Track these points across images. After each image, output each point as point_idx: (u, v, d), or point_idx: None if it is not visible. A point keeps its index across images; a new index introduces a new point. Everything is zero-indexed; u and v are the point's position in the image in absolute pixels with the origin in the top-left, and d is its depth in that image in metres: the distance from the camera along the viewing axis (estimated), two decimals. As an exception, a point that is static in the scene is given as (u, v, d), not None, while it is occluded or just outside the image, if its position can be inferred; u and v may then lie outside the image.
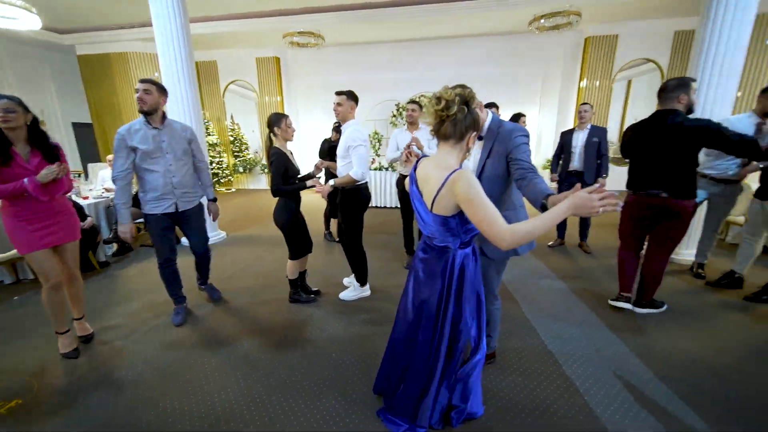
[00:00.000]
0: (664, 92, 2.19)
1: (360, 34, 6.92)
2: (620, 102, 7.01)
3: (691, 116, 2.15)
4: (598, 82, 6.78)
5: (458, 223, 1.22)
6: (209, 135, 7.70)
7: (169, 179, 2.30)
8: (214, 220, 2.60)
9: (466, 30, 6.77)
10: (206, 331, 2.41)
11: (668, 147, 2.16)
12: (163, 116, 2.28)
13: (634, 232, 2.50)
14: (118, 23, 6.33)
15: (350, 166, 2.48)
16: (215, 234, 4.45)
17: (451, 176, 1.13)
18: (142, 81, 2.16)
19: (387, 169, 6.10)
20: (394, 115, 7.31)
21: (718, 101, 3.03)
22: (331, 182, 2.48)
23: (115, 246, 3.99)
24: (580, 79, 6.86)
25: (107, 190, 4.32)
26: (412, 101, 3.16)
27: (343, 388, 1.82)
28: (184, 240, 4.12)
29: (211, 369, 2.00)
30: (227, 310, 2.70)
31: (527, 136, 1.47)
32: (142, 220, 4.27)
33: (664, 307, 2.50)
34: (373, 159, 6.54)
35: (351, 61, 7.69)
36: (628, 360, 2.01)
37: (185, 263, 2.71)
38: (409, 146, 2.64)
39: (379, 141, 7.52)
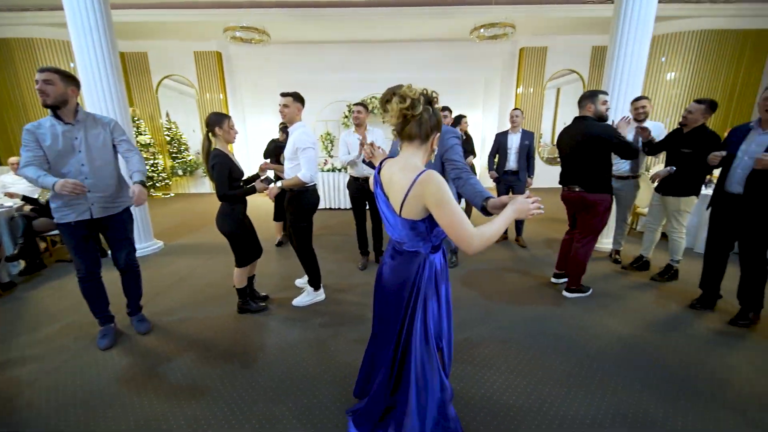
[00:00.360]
0: (580, 102, 2.57)
1: (308, 33, 6.78)
2: (552, 107, 7.76)
3: (601, 124, 2.52)
4: (532, 89, 7.44)
5: (428, 226, 1.18)
6: (141, 134, 6.98)
7: (81, 181, 2.00)
8: (136, 205, 2.10)
9: (415, 35, 6.98)
10: (141, 352, 2.18)
11: (578, 148, 2.55)
12: (77, 109, 2.01)
13: (571, 220, 2.89)
14: (19, 4, 5.46)
15: (298, 168, 2.43)
16: (150, 244, 4.04)
17: (419, 178, 1.08)
18: (41, 70, 1.86)
19: (340, 170, 6.05)
20: (346, 116, 7.28)
21: (626, 107, 3.50)
22: (279, 183, 2.41)
23: (22, 263, 3.44)
24: (517, 86, 7.46)
25: (10, 195, 3.71)
26: (359, 103, 3.18)
27: (308, 398, 1.77)
28: (112, 252, 3.68)
29: (147, 396, 1.81)
30: (167, 327, 2.47)
31: (458, 137, 1.56)
32: (56, 231, 3.77)
33: (590, 291, 2.83)
34: (326, 160, 6.45)
35: (300, 61, 7.49)
36: (564, 340, 2.23)
37: (115, 276, 2.41)
38: (367, 143, 2.68)
39: (331, 142, 7.43)
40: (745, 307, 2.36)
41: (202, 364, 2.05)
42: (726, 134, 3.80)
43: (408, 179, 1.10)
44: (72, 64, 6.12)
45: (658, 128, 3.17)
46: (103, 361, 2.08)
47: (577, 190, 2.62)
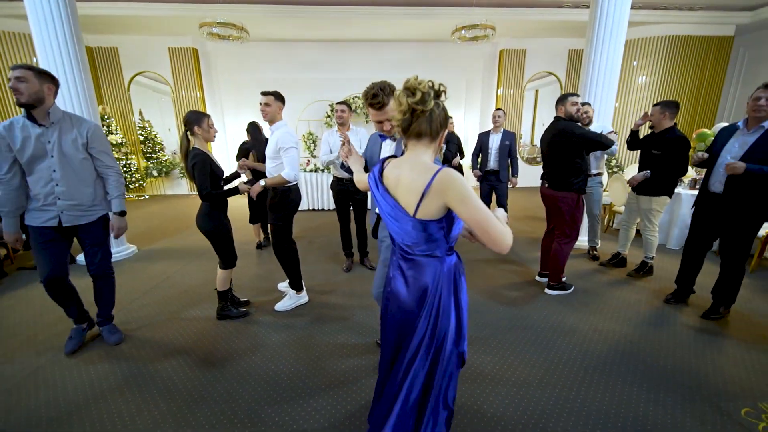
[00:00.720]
0: (555, 104, 2.72)
1: (288, 31, 6.65)
2: (531, 108, 7.95)
3: (567, 122, 2.65)
4: (512, 91, 7.59)
5: (445, 227, 1.09)
6: (111, 134, 6.64)
7: (52, 188, 1.91)
8: (116, 237, 2.16)
9: (396, 35, 6.99)
10: (113, 365, 2.05)
11: (549, 146, 2.72)
12: (50, 110, 1.90)
13: (547, 217, 2.97)
14: (-27, -7, 5.08)
15: (281, 167, 2.42)
16: (123, 248, 3.84)
17: (438, 176, 0.99)
18: (14, 67, 1.77)
19: (323, 170, 5.97)
20: (328, 116, 7.20)
21: (603, 110, 3.61)
22: (262, 182, 2.37)
23: (-22, 272, 3.19)
24: (498, 87, 7.59)
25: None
26: (342, 102, 3.13)
27: (293, 408, 1.71)
28: (80, 258, 3.48)
29: (119, 411, 1.71)
30: (140, 337, 2.34)
31: None
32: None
33: (572, 289, 2.89)
34: (308, 161, 6.35)
35: (281, 59, 7.34)
36: (546, 338, 2.26)
37: (87, 284, 2.26)
38: (345, 143, 2.65)
39: (314, 142, 7.32)
40: (717, 302, 2.45)
41: (179, 375, 1.95)
42: (695, 135, 4.00)
43: (423, 178, 1.02)
44: (34, 59, 5.75)
45: (604, 130, 3.31)
46: (70, 376, 1.95)
47: (546, 186, 2.79)
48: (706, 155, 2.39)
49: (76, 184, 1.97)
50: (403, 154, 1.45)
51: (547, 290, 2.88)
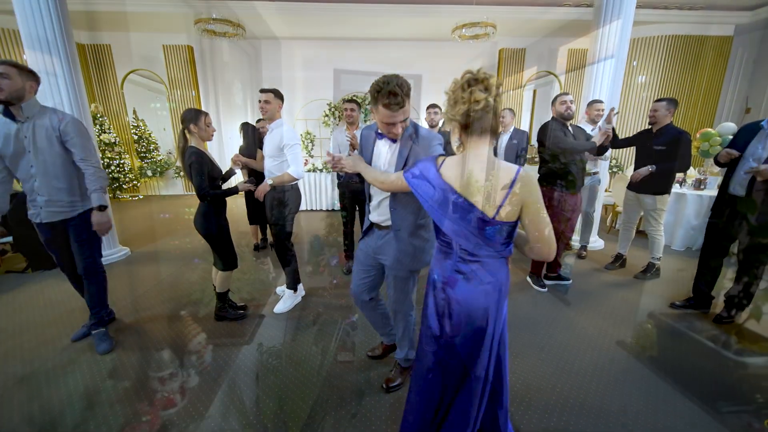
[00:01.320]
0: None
1: (285, 28, 6.54)
2: (529, 108, 7.91)
3: (544, 125, 2.73)
4: (511, 90, 7.54)
5: (514, 228, 1.06)
6: (104, 132, 6.49)
7: (31, 184, 1.88)
8: (100, 234, 2.03)
9: (396, 33, 6.90)
10: (102, 370, 1.94)
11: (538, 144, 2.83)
12: (27, 105, 1.84)
13: None
14: (-41, -13, 4.91)
15: (284, 165, 2.38)
16: (116, 251, 3.72)
17: (519, 176, 0.97)
18: None
19: (321, 171, 5.87)
20: (326, 115, 7.10)
21: (606, 108, 3.55)
22: (269, 181, 2.33)
23: (-37, 276, 3.06)
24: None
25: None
26: (351, 100, 3.03)
27: (294, 423, 1.62)
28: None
29: (106, 422, 1.60)
30: (133, 341, 2.23)
31: (442, 144, 1.43)
32: (5, 239, 3.40)
33: (544, 290, 2.88)
34: (306, 160, 6.25)
35: (278, 57, 7.22)
36: (554, 342, 2.19)
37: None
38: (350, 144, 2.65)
39: (311, 141, 7.22)
40: (729, 306, 2.38)
41: (173, 386, 1.85)
42: (698, 135, 3.96)
43: (504, 177, 0.98)
44: (24, 56, 5.59)
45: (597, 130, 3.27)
46: (56, 386, 1.84)
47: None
48: (737, 153, 2.25)
49: (51, 180, 1.91)
50: (408, 157, 1.38)
51: (528, 277, 3.04)
